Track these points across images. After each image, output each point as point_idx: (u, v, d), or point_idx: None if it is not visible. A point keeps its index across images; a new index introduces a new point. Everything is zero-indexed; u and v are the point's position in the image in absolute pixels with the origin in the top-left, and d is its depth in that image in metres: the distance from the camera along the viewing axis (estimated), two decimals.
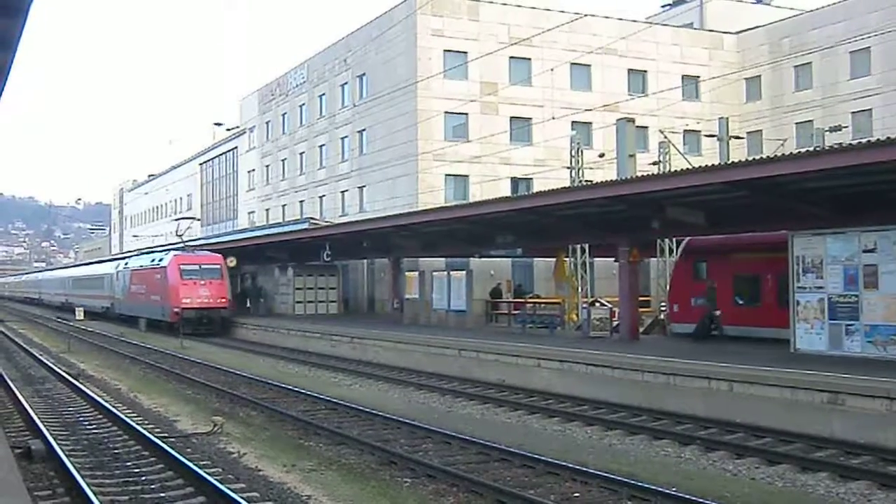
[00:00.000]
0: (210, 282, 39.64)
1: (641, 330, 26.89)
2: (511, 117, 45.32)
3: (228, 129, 76.91)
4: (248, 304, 49.28)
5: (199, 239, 69.95)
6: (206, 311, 39.03)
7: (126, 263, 50.56)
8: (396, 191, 44.77)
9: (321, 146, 55.90)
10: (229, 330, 40.27)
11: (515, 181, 44.49)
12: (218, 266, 40.73)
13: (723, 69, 49.18)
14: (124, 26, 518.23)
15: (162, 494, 10.80)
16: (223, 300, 39.84)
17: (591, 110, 43.89)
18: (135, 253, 59.94)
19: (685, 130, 46.34)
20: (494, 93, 44.40)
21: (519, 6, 46.37)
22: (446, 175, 44.22)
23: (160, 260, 43.19)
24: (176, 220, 58.35)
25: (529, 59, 45.34)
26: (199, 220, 65.15)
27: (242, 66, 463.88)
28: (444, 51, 44.40)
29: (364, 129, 49.82)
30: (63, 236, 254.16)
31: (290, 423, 16.05)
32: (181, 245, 45.39)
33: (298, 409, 17.49)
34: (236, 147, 73.32)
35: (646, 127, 42.29)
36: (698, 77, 49.23)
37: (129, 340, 37.14)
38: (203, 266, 40.33)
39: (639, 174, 25.48)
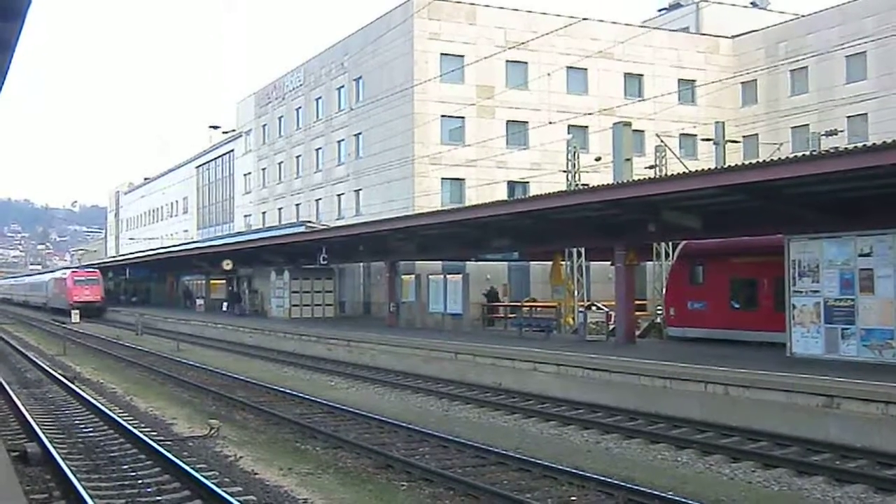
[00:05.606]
0: (91, 286, 63.38)
1: (638, 333, 26.90)
2: (507, 121, 45.36)
3: (225, 133, 77.01)
4: (235, 310, 49.31)
5: (196, 242, 70.39)
6: (88, 303, 61.66)
7: (53, 275, 77.93)
8: (393, 194, 44.75)
9: (318, 149, 55.88)
10: (104, 314, 62.20)
11: (512, 185, 44.51)
12: (96, 278, 64.93)
13: (719, 73, 49.33)
14: (121, 29, 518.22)
15: (158, 498, 10.80)
16: (99, 297, 63.64)
17: (587, 114, 43.96)
18: (59, 269, 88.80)
19: (681, 134, 46.43)
20: (491, 96, 44.43)
21: (515, 10, 46.44)
22: (443, 178, 44.23)
23: (65, 274, 69.11)
24: (75, 251, 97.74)
25: (526, 62, 45.36)
26: (94, 251, 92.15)
27: (240, 70, 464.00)
28: (441, 54, 44.40)
29: (360, 133, 49.82)
30: (59, 239, 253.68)
31: (286, 426, 16.03)
32: (78, 266, 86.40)
33: (295, 413, 17.47)
34: (233, 150, 73.27)
35: (642, 131, 42.29)
36: (694, 81, 49.33)
37: (125, 343, 37.17)
38: (87, 277, 64.79)
39: (635, 178, 25.52)
